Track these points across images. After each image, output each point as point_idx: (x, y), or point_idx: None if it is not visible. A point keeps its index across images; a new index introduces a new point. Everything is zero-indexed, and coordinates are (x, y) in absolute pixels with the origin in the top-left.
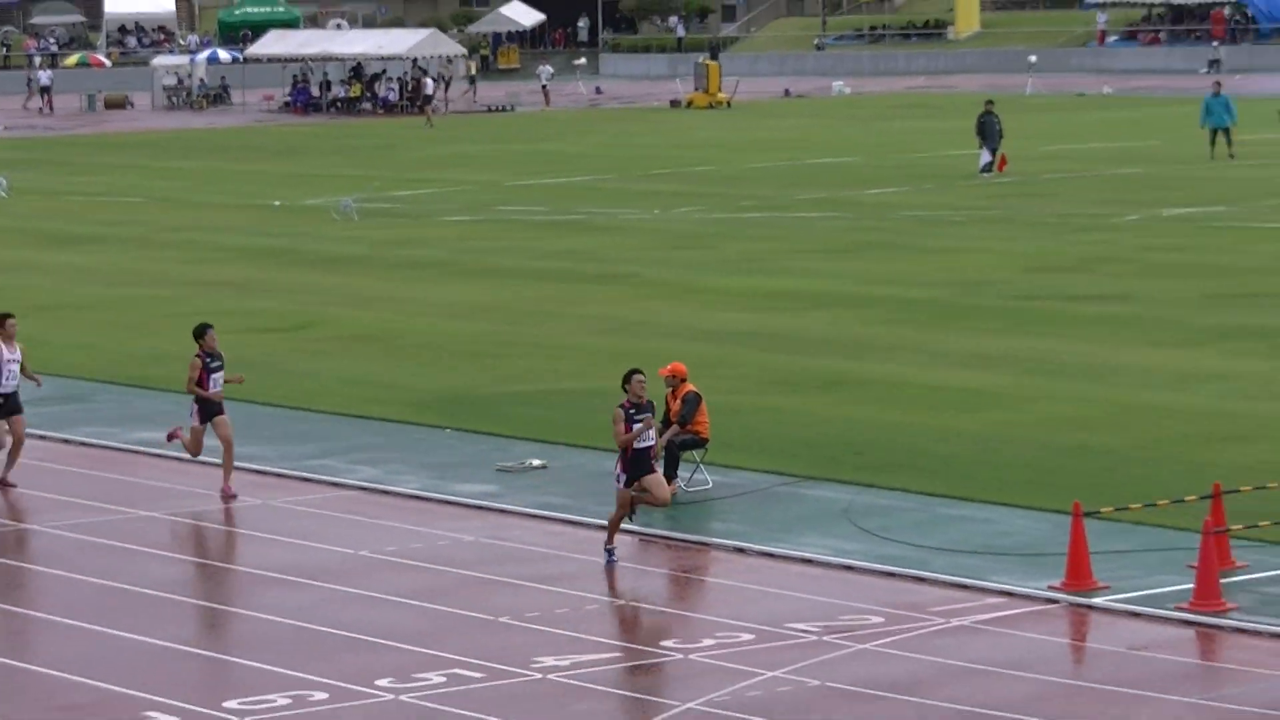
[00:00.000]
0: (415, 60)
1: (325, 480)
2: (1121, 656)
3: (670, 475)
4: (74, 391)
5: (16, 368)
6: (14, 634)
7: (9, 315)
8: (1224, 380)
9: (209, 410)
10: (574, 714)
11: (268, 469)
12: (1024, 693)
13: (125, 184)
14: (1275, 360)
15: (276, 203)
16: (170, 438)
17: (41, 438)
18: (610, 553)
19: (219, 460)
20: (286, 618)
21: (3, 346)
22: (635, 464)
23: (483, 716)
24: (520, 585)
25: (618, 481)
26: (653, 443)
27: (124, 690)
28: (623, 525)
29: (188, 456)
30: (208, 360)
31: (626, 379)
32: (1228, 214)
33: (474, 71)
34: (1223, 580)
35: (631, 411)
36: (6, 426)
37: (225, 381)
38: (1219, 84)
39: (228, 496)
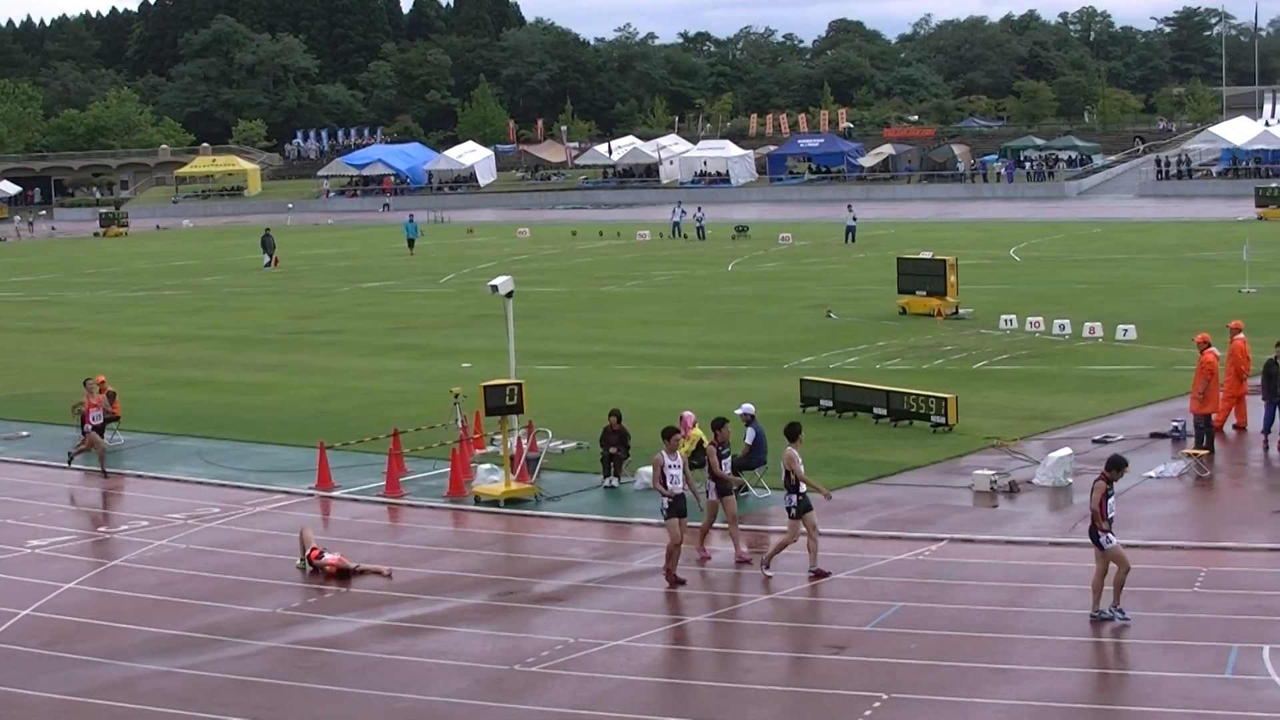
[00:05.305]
0: None
1: None
2: (349, 522)
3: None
4: None
5: (679, 472)
6: None
7: (675, 429)
8: (398, 373)
9: (723, 489)
10: (54, 572)
11: None
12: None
13: None
14: (419, 362)
15: None
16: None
17: None
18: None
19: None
20: None
21: (664, 455)
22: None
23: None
24: (19, 502)
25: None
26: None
27: None
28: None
29: None
30: (720, 449)
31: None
32: (397, 285)
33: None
34: (401, 479)
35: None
36: (678, 522)
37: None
38: (411, 214)
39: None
